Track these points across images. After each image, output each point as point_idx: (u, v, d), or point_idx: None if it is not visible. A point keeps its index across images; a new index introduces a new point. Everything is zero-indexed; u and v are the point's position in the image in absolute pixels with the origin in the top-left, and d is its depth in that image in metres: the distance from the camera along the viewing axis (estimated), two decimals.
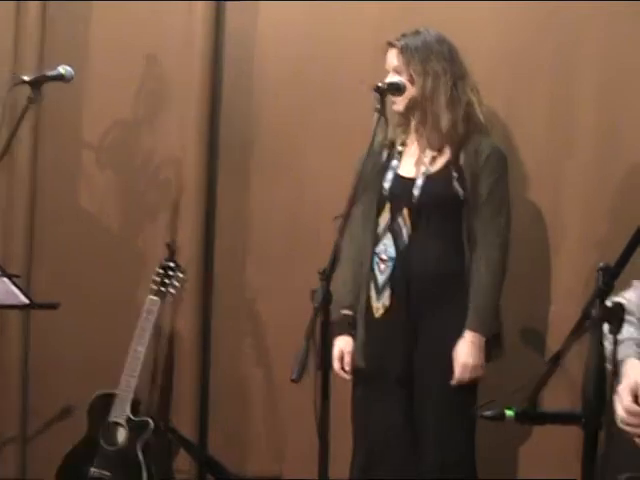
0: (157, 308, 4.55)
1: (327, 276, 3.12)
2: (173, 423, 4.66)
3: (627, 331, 2.66)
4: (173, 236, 4.74)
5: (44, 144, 4.90)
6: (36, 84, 3.62)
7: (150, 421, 4.48)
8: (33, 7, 4.85)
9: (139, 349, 4.48)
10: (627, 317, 2.52)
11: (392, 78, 3.62)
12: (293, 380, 2.93)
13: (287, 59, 4.53)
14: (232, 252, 4.72)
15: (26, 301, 3.06)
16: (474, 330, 3.55)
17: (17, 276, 3.11)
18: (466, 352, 3.53)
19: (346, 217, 3.29)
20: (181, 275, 4.62)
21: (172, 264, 4.63)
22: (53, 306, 3.16)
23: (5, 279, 3.05)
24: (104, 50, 4.82)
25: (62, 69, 3.75)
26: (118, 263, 4.80)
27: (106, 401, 4.50)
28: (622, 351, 2.58)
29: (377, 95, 3.44)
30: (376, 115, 3.41)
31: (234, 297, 4.70)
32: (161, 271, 4.61)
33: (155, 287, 4.58)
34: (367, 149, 3.47)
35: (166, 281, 4.61)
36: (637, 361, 2.62)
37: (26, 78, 3.61)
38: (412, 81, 3.62)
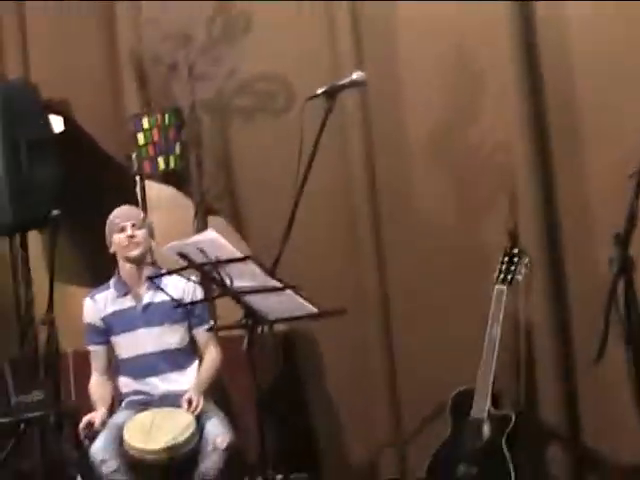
0: (506, 297, 4.46)
1: (624, 239, 2.88)
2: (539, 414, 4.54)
3: None
4: (512, 222, 4.62)
5: (377, 150, 4.98)
6: (331, 94, 3.69)
7: (512, 414, 4.38)
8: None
9: (492, 341, 4.42)
10: None
11: None
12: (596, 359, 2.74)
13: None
14: (576, 233, 4.52)
15: (314, 310, 3.09)
16: None
17: (292, 287, 3.14)
18: None
19: None
20: (526, 261, 4.50)
21: (516, 251, 4.53)
22: (340, 312, 3.17)
23: (289, 291, 3.11)
24: (413, 47, 4.84)
25: (355, 75, 3.80)
26: (459, 257, 4.76)
27: (465, 397, 4.48)
28: None
29: None
30: None
31: (586, 281, 4.47)
32: (505, 259, 4.52)
33: (501, 276, 4.50)
34: None
35: (512, 269, 4.51)
36: None
37: (319, 90, 3.69)
38: None
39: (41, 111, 5.07)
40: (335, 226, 5.03)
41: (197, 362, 4.47)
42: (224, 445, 4.18)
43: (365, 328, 4.95)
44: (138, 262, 4.44)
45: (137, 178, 5.33)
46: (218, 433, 4.21)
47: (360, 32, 4.92)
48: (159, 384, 4.44)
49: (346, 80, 3.73)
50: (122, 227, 4.45)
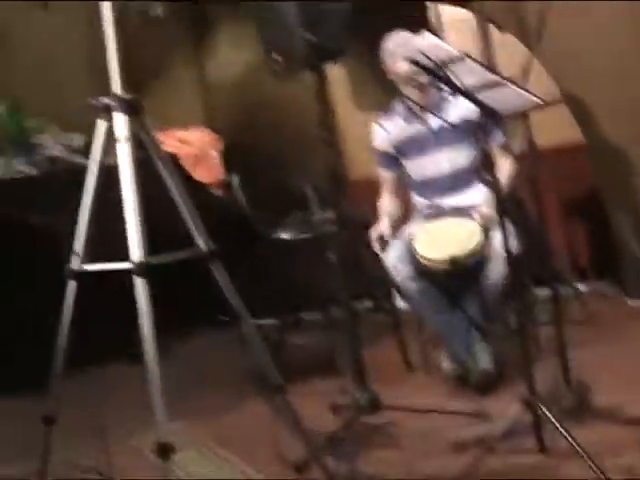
0: None
1: None
2: None
3: None
4: None
5: None
6: None
7: None
8: None
9: None
10: None
11: None
12: None
13: None
14: None
15: (538, 100, 3.09)
16: None
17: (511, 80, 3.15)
18: None
19: None
20: None
21: None
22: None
23: (511, 85, 3.13)
24: None
25: None
26: None
27: None
28: None
29: None
30: None
31: None
32: None
33: None
34: None
35: None
36: None
37: None
38: None
39: None
40: None
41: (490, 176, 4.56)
42: (509, 252, 4.30)
43: None
44: (414, 86, 4.48)
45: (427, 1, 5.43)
46: (504, 241, 4.33)
47: None
48: (451, 201, 4.62)
49: None
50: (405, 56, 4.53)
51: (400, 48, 4.47)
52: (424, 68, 3.24)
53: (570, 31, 4.94)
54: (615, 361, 4.30)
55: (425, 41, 3.29)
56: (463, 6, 5.33)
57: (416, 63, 3.29)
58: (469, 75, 3.20)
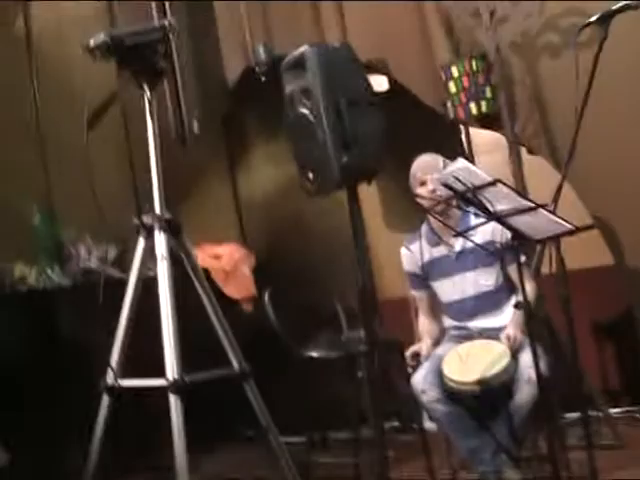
0: None
1: None
2: None
3: None
4: None
5: None
6: (603, 21, 3.68)
7: None
8: None
9: None
10: None
11: None
12: None
13: None
14: None
15: (569, 227, 3.14)
16: None
17: (543, 206, 3.21)
18: None
19: None
20: None
21: None
22: (591, 227, 3.18)
23: (542, 210, 3.18)
24: None
25: None
26: None
27: None
28: None
29: None
30: None
31: None
32: None
33: None
34: None
35: None
36: None
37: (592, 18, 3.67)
38: None
39: (360, 71, 5.36)
40: None
41: (514, 299, 4.58)
42: (538, 376, 4.29)
43: None
44: (442, 214, 4.56)
45: (460, 125, 5.54)
46: (532, 364, 4.34)
47: None
48: (478, 324, 4.64)
49: (619, 5, 3.69)
50: (423, 181, 4.62)
51: (428, 171, 4.57)
52: (456, 192, 3.30)
53: (598, 156, 5.03)
54: None
55: (458, 165, 3.36)
56: (494, 129, 5.42)
57: (449, 187, 3.35)
58: (501, 200, 3.25)
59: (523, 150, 5.41)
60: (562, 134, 5.26)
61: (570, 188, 5.10)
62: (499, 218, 3.34)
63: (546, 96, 5.29)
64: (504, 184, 3.25)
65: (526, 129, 5.32)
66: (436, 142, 5.43)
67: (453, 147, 5.45)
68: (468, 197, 3.32)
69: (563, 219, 3.22)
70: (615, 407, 5.49)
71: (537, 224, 3.29)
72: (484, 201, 3.33)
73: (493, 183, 3.23)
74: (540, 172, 5.34)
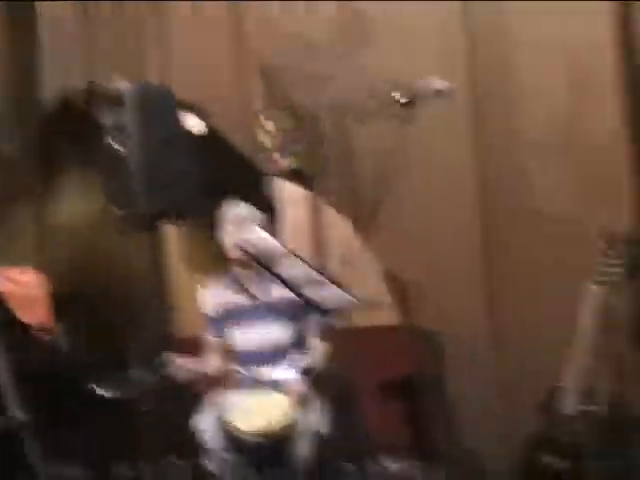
0: (600, 296, 4.51)
1: None
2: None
3: None
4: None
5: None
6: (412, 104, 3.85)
7: (599, 409, 4.43)
8: None
9: (585, 337, 4.48)
10: None
11: None
12: None
13: None
14: None
15: (355, 300, 3.31)
16: None
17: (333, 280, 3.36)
18: None
19: None
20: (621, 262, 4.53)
21: (614, 251, 4.57)
22: (381, 304, 3.37)
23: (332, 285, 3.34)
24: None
25: (440, 85, 3.93)
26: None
27: (555, 394, 4.55)
28: None
29: None
30: None
31: None
32: (604, 259, 4.57)
33: (599, 276, 4.55)
34: None
35: (610, 270, 4.55)
36: None
37: (402, 100, 3.84)
38: None
39: (177, 111, 5.39)
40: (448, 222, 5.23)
41: (306, 354, 4.73)
42: (321, 430, 4.44)
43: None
44: (244, 266, 4.70)
45: (271, 177, 5.65)
46: (316, 419, 4.48)
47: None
48: (267, 374, 4.73)
49: (430, 89, 3.88)
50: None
51: (233, 226, 4.70)
52: (252, 257, 3.40)
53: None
54: None
55: (256, 234, 3.47)
56: (301, 185, 5.57)
57: (246, 252, 3.45)
58: (295, 269, 3.37)
59: (328, 207, 5.55)
60: (368, 197, 5.45)
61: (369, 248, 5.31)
62: (291, 287, 3.46)
63: (357, 159, 5.47)
64: (299, 257, 3.38)
65: (333, 187, 5.48)
66: (247, 190, 5.53)
67: (264, 197, 5.54)
68: (262, 263, 3.44)
69: (351, 294, 3.38)
70: (396, 462, 5.66)
71: (328, 296, 3.43)
72: (279, 269, 3.44)
73: (288, 254, 3.35)
74: (342, 231, 5.51)
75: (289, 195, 5.69)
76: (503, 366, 5.16)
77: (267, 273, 4.40)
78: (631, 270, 4.37)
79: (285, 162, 5.48)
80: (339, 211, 5.52)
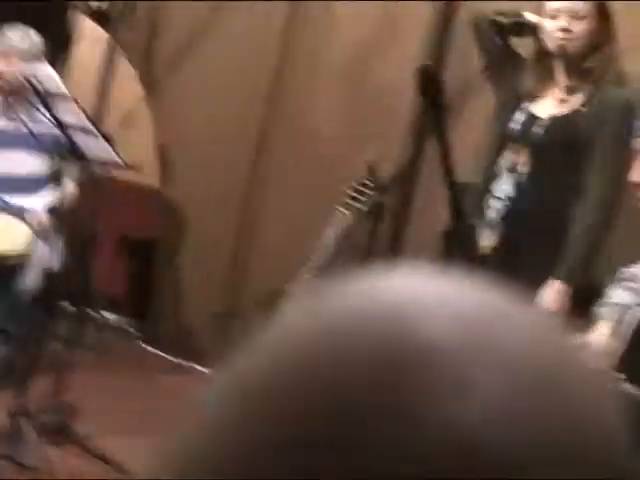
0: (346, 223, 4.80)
1: None
2: None
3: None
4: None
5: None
6: None
7: None
8: None
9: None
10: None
11: None
12: None
13: None
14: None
15: (119, 161, 3.46)
16: (559, 279, 3.51)
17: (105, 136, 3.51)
18: (548, 300, 3.50)
19: None
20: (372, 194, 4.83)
21: (368, 183, 4.87)
22: (138, 168, 3.56)
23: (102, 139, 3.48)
24: None
25: None
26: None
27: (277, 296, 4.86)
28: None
29: None
30: None
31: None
32: (358, 187, 4.86)
33: (348, 201, 4.84)
34: None
35: (360, 198, 4.85)
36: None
37: None
38: None
39: None
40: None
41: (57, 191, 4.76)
42: (52, 267, 4.58)
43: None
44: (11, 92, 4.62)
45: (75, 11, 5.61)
46: (50, 255, 4.61)
47: None
48: (14, 200, 4.74)
49: None
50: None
51: (16, 50, 4.56)
52: (34, 90, 3.47)
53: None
54: (119, 394, 4.59)
55: (44, 70, 3.51)
56: (105, 28, 5.55)
57: (28, 82, 3.51)
58: (71, 114, 3.47)
59: (125, 62, 5.56)
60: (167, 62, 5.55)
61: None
62: (64, 129, 3.56)
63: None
64: (78, 104, 3.47)
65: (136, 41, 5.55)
66: (43, 19, 5.44)
67: (61, 31, 5.50)
68: (43, 100, 3.50)
69: (118, 154, 3.51)
70: (113, 315, 5.87)
71: (96, 147, 3.55)
72: (55, 109, 3.53)
73: (69, 98, 3.43)
74: (130, 84, 5.58)
75: (89, 35, 5.66)
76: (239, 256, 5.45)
77: (39, 106, 4.47)
78: (373, 208, 4.66)
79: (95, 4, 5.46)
80: (134, 65, 5.57)
